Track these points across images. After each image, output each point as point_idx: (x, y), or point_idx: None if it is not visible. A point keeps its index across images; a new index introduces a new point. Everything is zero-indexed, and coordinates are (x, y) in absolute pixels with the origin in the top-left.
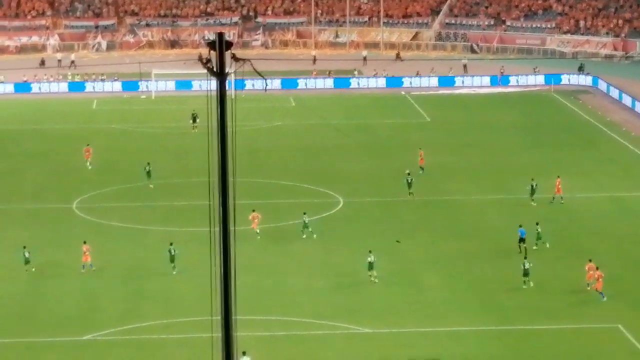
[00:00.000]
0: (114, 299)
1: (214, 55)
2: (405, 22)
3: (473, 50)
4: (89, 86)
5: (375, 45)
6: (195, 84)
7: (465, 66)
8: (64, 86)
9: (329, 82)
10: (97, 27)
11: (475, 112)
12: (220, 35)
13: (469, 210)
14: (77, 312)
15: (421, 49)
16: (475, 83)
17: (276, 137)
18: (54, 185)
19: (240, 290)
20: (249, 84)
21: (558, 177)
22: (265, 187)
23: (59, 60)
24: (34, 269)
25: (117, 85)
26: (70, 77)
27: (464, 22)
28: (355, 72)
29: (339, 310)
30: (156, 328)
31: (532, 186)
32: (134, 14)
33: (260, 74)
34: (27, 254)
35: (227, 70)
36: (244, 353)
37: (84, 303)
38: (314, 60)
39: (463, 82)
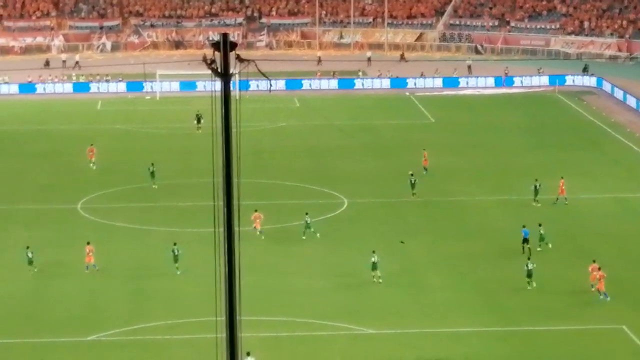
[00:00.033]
0: (118, 300)
1: (218, 56)
2: (410, 23)
3: (477, 51)
4: (93, 87)
5: (379, 46)
6: (200, 85)
7: (469, 67)
8: (68, 87)
9: (333, 83)
10: (101, 27)
11: (480, 113)
12: (225, 36)
13: (473, 211)
14: (81, 313)
15: (425, 50)
16: (479, 84)
17: (280, 137)
18: (59, 186)
19: (244, 291)
20: (253, 84)
21: (562, 178)
22: (269, 187)
23: (64, 61)
24: (36, 270)
25: (121, 86)
26: (74, 78)
27: (468, 23)
28: (360, 73)
29: (343, 311)
30: (161, 329)
31: (535, 187)
32: (138, 14)
33: (265, 75)
34: (30, 254)
35: (231, 71)
36: (248, 354)
37: (88, 303)
38: (319, 61)
39: (467, 83)
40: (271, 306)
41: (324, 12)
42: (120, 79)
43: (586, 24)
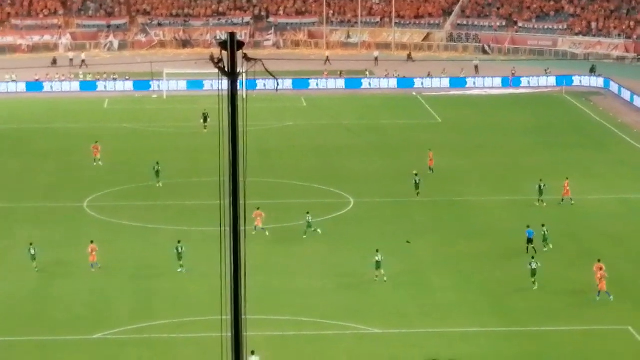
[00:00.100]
0: (124, 298)
1: (225, 55)
2: (417, 22)
3: (485, 52)
4: (100, 85)
5: (386, 45)
6: (207, 84)
7: (476, 67)
8: (75, 85)
9: (341, 83)
10: (109, 26)
11: (487, 113)
12: (232, 35)
13: (479, 211)
14: (87, 311)
15: (433, 50)
16: (486, 84)
17: (287, 137)
18: (66, 184)
19: (249, 290)
20: (260, 84)
21: (567, 178)
22: (276, 187)
23: (71, 60)
24: (36, 268)
25: (128, 85)
26: (82, 77)
27: (475, 23)
28: (367, 73)
29: (349, 311)
30: (166, 327)
31: (540, 187)
32: (146, 13)
33: (272, 74)
34: (32, 251)
35: (238, 70)
36: (252, 352)
37: (94, 302)
38: (328, 60)
39: (474, 83)
40: (277, 305)
41: (331, 12)
42: (127, 77)
43: (594, 24)
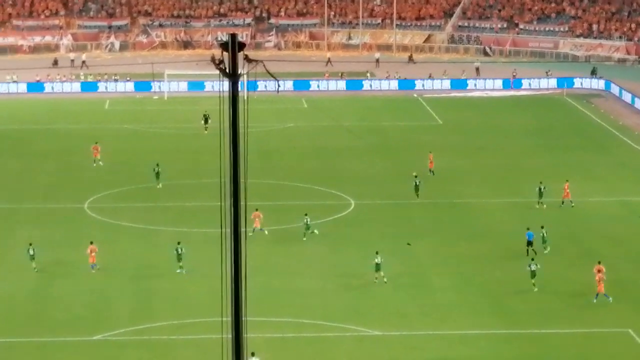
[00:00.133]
0: (124, 299)
1: (226, 56)
2: (418, 24)
3: (486, 53)
4: (101, 86)
5: (387, 47)
6: (208, 85)
7: (477, 69)
8: (76, 86)
9: (341, 84)
10: (110, 27)
11: (488, 115)
12: (233, 36)
13: (479, 213)
14: (87, 312)
15: (434, 52)
16: (487, 86)
17: (288, 138)
18: (66, 185)
19: (250, 292)
20: (261, 85)
21: (567, 181)
22: (276, 188)
23: (72, 60)
24: (35, 268)
25: (129, 86)
26: (83, 77)
27: (476, 24)
28: (368, 74)
29: (349, 312)
30: (166, 329)
31: (540, 189)
32: (147, 14)
33: (273, 76)
34: (31, 252)
35: (239, 71)
36: (252, 354)
37: (94, 303)
38: (329, 61)
39: (475, 85)
40: (277, 307)
41: (332, 13)
42: (128, 78)
43: (595, 26)
